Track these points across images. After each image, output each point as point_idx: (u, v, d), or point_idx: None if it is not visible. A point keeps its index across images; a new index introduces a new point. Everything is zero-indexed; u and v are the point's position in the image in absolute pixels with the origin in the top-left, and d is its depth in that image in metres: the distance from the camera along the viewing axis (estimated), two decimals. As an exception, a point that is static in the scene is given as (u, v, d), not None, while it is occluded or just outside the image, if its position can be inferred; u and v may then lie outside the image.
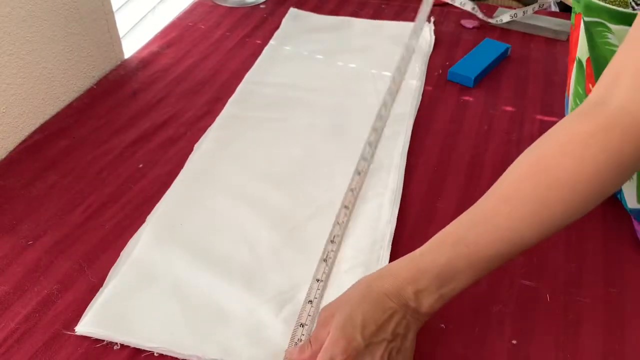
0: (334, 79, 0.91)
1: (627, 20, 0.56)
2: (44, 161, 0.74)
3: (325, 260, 0.60)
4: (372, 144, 0.76)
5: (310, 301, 0.56)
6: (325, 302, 0.56)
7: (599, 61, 0.61)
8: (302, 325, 0.54)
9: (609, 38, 0.59)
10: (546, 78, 0.90)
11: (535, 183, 0.47)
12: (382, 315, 0.47)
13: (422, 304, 0.48)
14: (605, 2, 0.57)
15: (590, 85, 0.64)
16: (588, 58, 0.63)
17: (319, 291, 0.57)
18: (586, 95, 0.65)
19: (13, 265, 0.60)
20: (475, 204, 0.50)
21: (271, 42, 1.00)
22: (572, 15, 0.69)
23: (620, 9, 0.56)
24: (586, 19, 0.61)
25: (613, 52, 0.57)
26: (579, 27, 0.66)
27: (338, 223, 0.64)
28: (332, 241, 0.62)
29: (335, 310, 0.48)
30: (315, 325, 0.51)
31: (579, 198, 0.46)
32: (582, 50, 0.65)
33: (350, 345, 0.46)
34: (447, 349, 0.53)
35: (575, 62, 0.68)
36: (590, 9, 0.59)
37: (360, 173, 0.71)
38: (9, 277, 0.59)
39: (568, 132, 0.47)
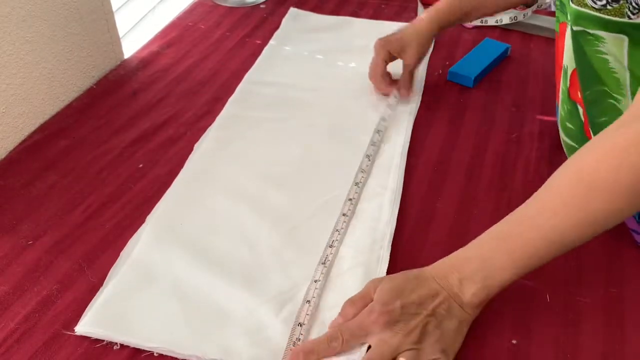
0: (334, 79, 0.91)
1: (623, 29, 0.56)
2: (44, 161, 0.74)
3: (323, 263, 0.60)
4: (376, 144, 0.76)
5: (308, 301, 0.56)
6: (323, 302, 0.56)
7: (587, 70, 0.62)
8: (300, 324, 0.54)
9: (599, 47, 0.59)
10: (546, 78, 0.90)
11: (576, 191, 0.49)
12: (426, 292, 0.51)
13: (465, 292, 0.51)
14: (600, 12, 0.57)
15: (579, 93, 0.64)
16: (574, 69, 0.64)
17: (317, 291, 0.57)
18: (570, 102, 0.66)
19: (13, 265, 0.60)
20: (518, 208, 0.53)
21: (271, 42, 1.00)
22: (556, 23, 0.69)
23: (617, 18, 0.56)
24: (575, 28, 0.61)
25: (604, 61, 0.59)
26: (564, 35, 0.66)
27: (337, 230, 0.64)
28: (330, 246, 0.62)
29: (385, 278, 0.53)
30: (313, 323, 0.54)
31: (617, 206, 0.48)
32: (567, 59, 0.66)
33: (387, 307, 0.50)
34: (447, 349, 0.53)
35: (562, 69, 0.68)
36: (580, 18, 0.59)
37: (364, 171, 0.72)
38: (8, 277, 0.59)
39: (608, 142, 0.49)
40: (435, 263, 0.54)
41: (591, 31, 0.59)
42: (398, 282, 0.52)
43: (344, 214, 0.66)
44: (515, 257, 0.51)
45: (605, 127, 0.51)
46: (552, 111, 0.83)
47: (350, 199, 0.68)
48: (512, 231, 0.52)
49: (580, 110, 0.65)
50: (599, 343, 0.54)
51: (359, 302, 0.52)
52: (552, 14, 1.08)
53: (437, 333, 0.50)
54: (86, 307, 0.56)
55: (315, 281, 0.58)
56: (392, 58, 0.84)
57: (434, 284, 0.52)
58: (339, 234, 0.63)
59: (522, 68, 0.93)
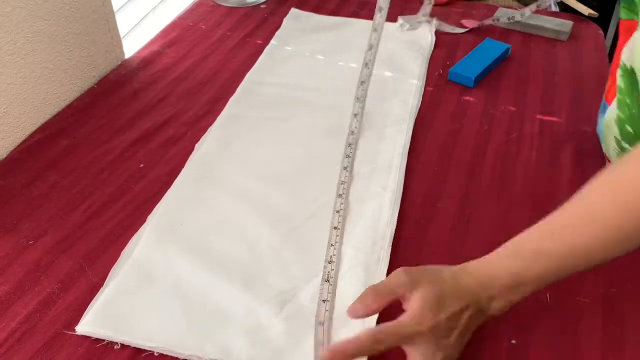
0: (334, 79, 0.91)
1: None
2: (44, 161, 0.74)
3: (327, 281, 0.58)
4: (353, 144, 0.76)
5: (321, 323, 0.54)
6: (334, 322, 0.55)
7: None
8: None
9: None
10: (546, 78, 0.90)
11: (610, 205, 0.48)
12: (460, 304, 0.49)
13: (492, 308, 0.50)
14: None
15: None
16: None
17: (327, 312, 0.55)
18: (636, 105, 0.63)
19: (14, 265, 0.61)
20: (549, 218, 0.51)
21: (272, 42, 1.00)
22: (616, 19, 0.67)
23: None
24: None
25: None
26: (628, 33, 0.63)
27: (332, 244, 0.63)
28: (330, 262, 0.61)
29: (421, 278, 0.50)
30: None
31: None
32: (635, 59, 0.62)
33: (435, 319, 0.48)
34: (447, 349, 0.53)
35: (620, 68, 0.65)
36: None
37: (347, 168, 0.72)
38: (9, 277, 0.59)
39: None
40: (466, 266, 0.52)
41: None
42: (441, 290, 0.49)
43: (337, 211, 0.66)
44: (542, 273, 0.50)
45: None
46: (552, 111, 0.83)
47: (340, 195, 0.68)
48: (542, 247, 0.50)
49: None
50: (598, 343, 0.54)
51: (386, 297, 0.50)
52: (552, 14, 1.09)
53: (462, 345, 0.50)
54: (87, 306, 0.56)
55: (324, 301, 0.57)
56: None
57: (465, 296, 0.50)
58: (334, 249, 0.62)
59: (522, 68, 0.93)
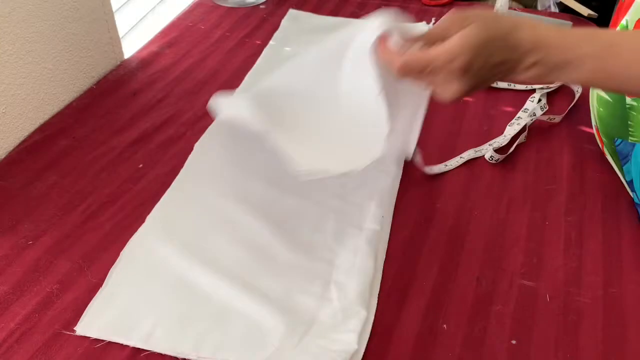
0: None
1: None
2: (44, 161, 0.74)
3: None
4: None
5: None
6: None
7: None
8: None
9: None
10: (546, 78, 0.90)
11: None
12: (504, 59, 0.47)
13: (526, 73, 0.48)
14: None
15: None
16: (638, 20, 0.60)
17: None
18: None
19: (13, 265, 0.60)
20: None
21: (271, 42, 1.00)
22: None
23: None
24: None
25: None
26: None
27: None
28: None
29: (474, 18, 0.48)
30: None
31: None
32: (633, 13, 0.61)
33: (471, 62, 0.46)
34: (447, 349, 0.53)
35: (619, 26, 0.64)
36: None
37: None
38: (9, 277, 0.59)
39: None
40: (523, 25, 0.48)
41: None
42: (487, 37, 0.46)
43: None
44: (597, 71, 0.47)
45: None
46: (552, 111, 0.83)
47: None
48: (615, 43, 0.47)
49: None
50: (599, 343, 0.54)
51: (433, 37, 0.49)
52: (552, 14, 1.09)
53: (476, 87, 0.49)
54: (86, 307, 0.56)
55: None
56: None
57: (515, 54, 0.47)
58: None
59: (522, 68, 0.93)
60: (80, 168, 0.73)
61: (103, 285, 0.58)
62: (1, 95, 0.73)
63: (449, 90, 0.48)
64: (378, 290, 0.58)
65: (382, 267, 0.60)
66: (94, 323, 0.54)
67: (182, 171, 0.72)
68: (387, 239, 0.63)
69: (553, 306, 0.57)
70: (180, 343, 0.53)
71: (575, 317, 0.56)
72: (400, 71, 0.50)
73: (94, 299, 0.57)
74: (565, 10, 1.12)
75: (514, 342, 0.54)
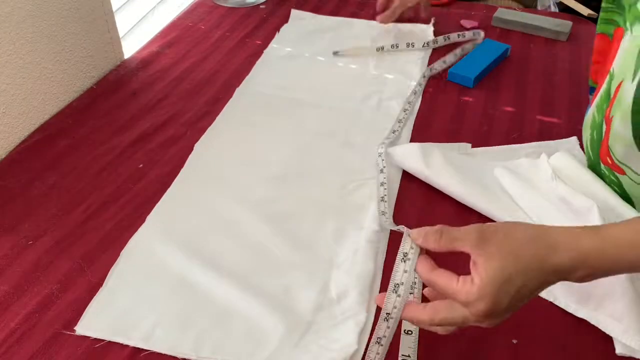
0: (334, 80, 0.91)
1: None
2: (44, 161, 0.74)
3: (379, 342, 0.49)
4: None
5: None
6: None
7: None
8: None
9: None
10: (546, 78, 0.90)
11: None
12: (540, 288, 0.45)
13: (571, 278, 0.45)
14: None
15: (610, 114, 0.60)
16: (620, 83, 0.58)
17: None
18: (603, 120, 0.61)
19: (13, 265, 0.60)
20: None
21: (272, 43, 1.00)
22: (605, 25, 0.66)
23: None
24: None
25: None
26: (618, 42, 0.61)
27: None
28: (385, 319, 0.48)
29: (499, 248, 0.45)
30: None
31: None
32: (620, 71, 0.59)
33: (494, 308, 0.43)
34: (447, 349, 0.53)
35: (608, 76, 0.63)
36: None
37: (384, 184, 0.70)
38: (9, 277, 0.59)
39: None
40: (558, 239, 0.45)
41: None
42: (513, 272, 0.43)
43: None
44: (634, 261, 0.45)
45: None
46: (552, 111, 0.83)
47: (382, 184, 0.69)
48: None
49: (604, 127, 0.62)
50: (599, 343, 0.54)
51: (443, 246, 0.48)
52: (552, 14, 1.09)
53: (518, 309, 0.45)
54: (86, 307, 0.56)
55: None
56: None
57: (552, 278, 0.44)
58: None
59: (522, 68, 0.93)
60: (80, 168, 0.73)
61: (103, 285, 0.58)
62: (1, 95, 0.73)
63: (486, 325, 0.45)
64: (378, 290, 0.58)
65: (382, 267, 0.60)
66: (94, 323, 0.54)
67: (182, 171, 0.72)
68: (387, 239, 0.63)
69: (553, 306, 0.57)
70: (180, 343, 0.53)
71: (576, 317, 0.56)
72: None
73: (94, 299, 0.57)
74: (565, 10, 1.12)
75: (514, 341, 0.54)
